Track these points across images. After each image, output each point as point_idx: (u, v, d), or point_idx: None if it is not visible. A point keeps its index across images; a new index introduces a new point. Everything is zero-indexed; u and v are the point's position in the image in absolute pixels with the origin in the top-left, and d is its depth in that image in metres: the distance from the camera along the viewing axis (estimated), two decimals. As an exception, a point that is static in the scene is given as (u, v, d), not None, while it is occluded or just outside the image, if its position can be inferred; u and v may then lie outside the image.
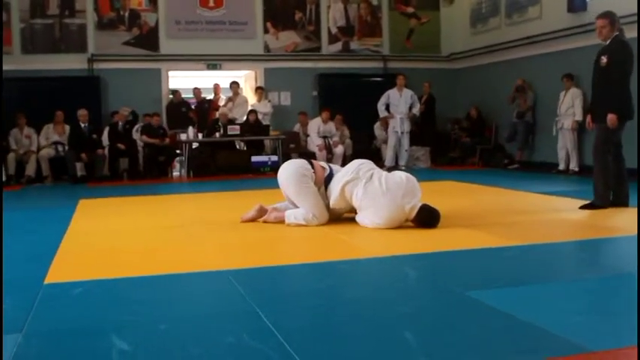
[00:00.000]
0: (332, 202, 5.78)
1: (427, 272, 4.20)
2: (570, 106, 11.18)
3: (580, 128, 11.03)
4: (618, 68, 6.27)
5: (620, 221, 5.99)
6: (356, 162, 5.89)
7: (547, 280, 3.89)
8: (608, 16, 6.35)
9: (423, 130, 13.65)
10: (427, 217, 5.53)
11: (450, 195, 8.28)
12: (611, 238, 5.32)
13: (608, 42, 6.37)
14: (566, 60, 11.42)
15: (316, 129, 13.02)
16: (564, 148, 11.36)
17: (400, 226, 5.56)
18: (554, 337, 2.79)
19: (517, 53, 12.89)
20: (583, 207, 6.44)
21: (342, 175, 5.75)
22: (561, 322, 3.00)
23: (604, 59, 6.33)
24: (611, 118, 6.23)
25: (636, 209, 6.10)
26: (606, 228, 5.87)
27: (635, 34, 7.99)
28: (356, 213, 5.76)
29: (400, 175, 5.65)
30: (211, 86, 14.45)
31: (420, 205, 5.51)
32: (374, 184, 5.56)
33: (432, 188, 8.84)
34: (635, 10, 8.28)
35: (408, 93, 12.93)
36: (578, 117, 11.01)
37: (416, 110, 13.03)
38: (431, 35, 15.25)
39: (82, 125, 11.70)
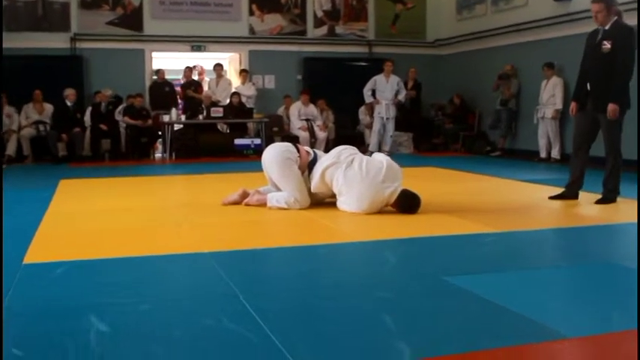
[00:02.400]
0: (313, 187, 5.79)
1: (407, 257, 4.23)
2: (551, 95, 11.23)
3: (562, 117, 11.10)
4: (625, 55, 5.95)
5: (599, 211, 6.03)
6: (338, 147, 5.90)
7: (525, 267, 3.93)
8: (603, 0, 6.05)
9: (408, 116, 13.66)
10: (407, 203, 5.55)
11: (431, 181, 8.31)
12: (590, 226, 5.36)
13: (608, 27, 6.05)
14: (551, 48, 11.45)
15: (297, 112, 13.03)
16: (545, 137, 11.42)
17: (381, 212, 5.58)
18: (531, 322, 2.83)
19: (502, 41, 12.91)
20: (598, 202, 6.20)
21: (324, 160, 5.76)
22: (538, 308, 3.04)
23: (607, 45, 6.02)
24: (614, 109, 5.95)
25: (633, 201, 6.18)
26: (584, 217, 5.93)
27: (631, 22, 7.93)
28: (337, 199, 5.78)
29: (380, 160, 5.65)
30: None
31: (400, 189, 5.52)
32: (354, 169, 5.57)
33: (414, 174, 8.87)
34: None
35: (394, 79, 12.92)
36: (559, 106, 11.07)
37: (402, 97, 13.02)
38: (416, 21, 15.22)
39: (69, 104, 11.62)
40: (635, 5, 8.58)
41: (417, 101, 14.02)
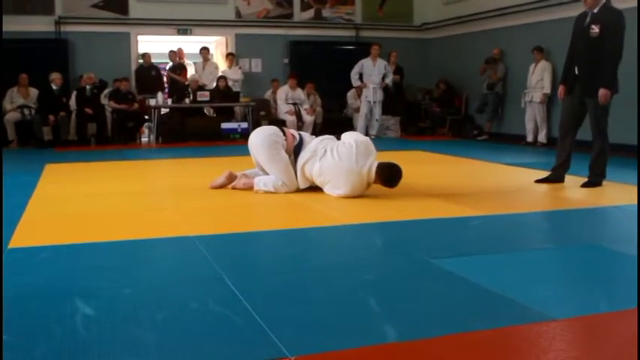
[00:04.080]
0: (300, 184, 5.81)
1: (393, 240, 4.23)
2: (540, 79, 11.24)
3: (549, 101, 11.12)
4: (613, 40, 5.91)
5: (583, 194, 6.06)
6: (317, 139, 5.90)
7: (511, 250, 3.94)
8: None
9: (392, 100, 13.65)
10: (387, 174, 5.53)
11: (418, 165, 8.31)
12: (575, 209, 5.38)
13: (596, 10, 6.02)
14: (538, 32, 11.46)
15: (284, 96, 13.00)
16: (532, 121, 11.45)
17: (368, 195, 5.58)
18: (517, 304, 2.84)
19: (489, 24, 12.90)
20: (584, 185, 6.22)
21: (302, 155, 5.75)
22: (524, 290, 3.05)
23: (595, 29, 5.99)
24: (604, 94, 5.94)
25: (619, 184, 6.21)
26: (570, 200, 5.96)
27: (627, 5, 7.95)
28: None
29: (349, 141, 5.63)
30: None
31: (376, 164, 5.51)
32: (327, 159, 5.59)
33: (401, 158, 8.83)
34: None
35: (381, 63, 12.92)
36: (547, 90, 11.10)
37: (389, 80, 13.02)
38: (403, 4, 15.17)
39: (55, 88, 11.53)
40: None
41: (400, 85, 13.99)
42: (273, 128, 6.06)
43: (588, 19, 6.10)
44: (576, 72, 6.20)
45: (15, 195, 5.83)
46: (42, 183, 6.68)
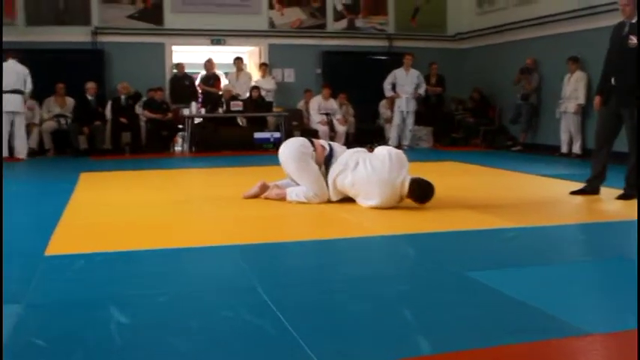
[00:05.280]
0: (331, 196, 5.82)
1: (427, 251, 4.21)
2: (575, 89, 11.11)
3: (583, 112, 11.00)
4: None
5: (619, 206, 5.98)
6: (348, 152, 5.90)
7: (546, 262, 3.90)
8: None
9: (433, 111, 13.60)
10: (419, 190, 5.51)
11: (451, 175, 8.27)
12: (610, 222, 5.32)
13: (635, 20, 5.92)
14: (572, 42, 11.34)
15: (317, 106, 13.01)
16: (567, 132, 11.31)
17: (401, 206, 5.56)
18: (551, 318, 2.81)
19: (523, 34, 12.80)
20: (619, 197, 6.11)
21: (335, 167, 5.75)
22: (559, 303, 3.01)
23: (633, 39, 5.87)
24: None
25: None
26: (605, 212, 5.89)
27: None
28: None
29: (383, 153, 5.61)
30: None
31: (409, 178, 5.50)
32: (359, 170, 5.58)
33: (434, 168, 8.84)
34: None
35: (414, 73, 12.88)
36: (582, 101, 10.95)
37: (422, 90, 12.99)
38: (437, 14, 15.13)
39: (90, 98, 11.69)
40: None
41: (442, 96, 13.93)
42: (302, 140, 6.08)
43: (626, 29, 6.01)
44: (613, 83, 6.12)
45: (51, 203, 5.92)
46: (77, 191, 6.76)
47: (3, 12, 11.16)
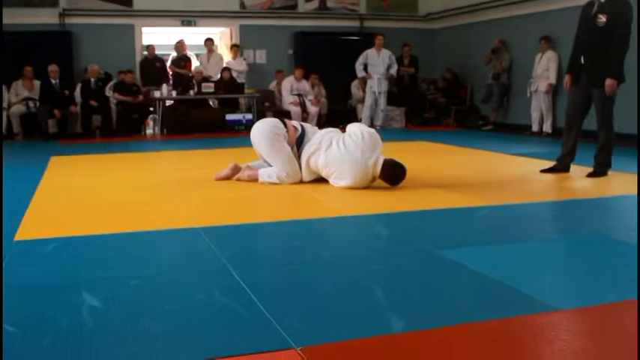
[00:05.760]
0: (304, 177, 5.81)
1: (399, 231, 4.23)
2: (546, 68, 11.19)
3: (554, 91, 11.09)
4: (621, 29, 5.87)
5: (589, 184, 6.05)
6: (321, 131, 5.89)
7: (517, 240, 3.94)
8: None
9: (406, 91, 13.62)
10: (391, 172, 5.54)
11: (423, 155, 8.30)
12: (581, 199, 5.38)
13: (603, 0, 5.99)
14: (543, 22, 11.40)
15: (289, 87, 12.98)
16: (538, 110, 11.40)
17: (373, 187, 5.58)
18: (523, 295, 2.84)
19: (494, 14, 12.84)
20: (589, 175, 6.21)
21: (307, 147, 5.75)
22: (530, 280, 3.05)
23: (602, 18, 5.92)
24: (611, 84, 5.91)
25: (624, 174, 6.19)
26: (576, 190, 5.96)
27: None
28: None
29: (356, 133, 5.61)
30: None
31: (382, 159, 5.51)
32: (332, 150, 5.59)
33: (406, 148, 8.88)
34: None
35: (386, 53, 12.88)
36: (553, 80, 11.05)
37: (393, 71, 12.99)
38: (408, -6, 15.12)
39: (53, 81, 11.49)
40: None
41: (415, 77, 13.92)
42: (274, 120, 6.06)
43: (595, 9, 6.05)
44: (582, 62, 6.16)
45: (20, 187, 5.85)
46: (47, 175, 6.69)
47: (2, 13, 10.93)
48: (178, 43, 13.62)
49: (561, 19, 10.59)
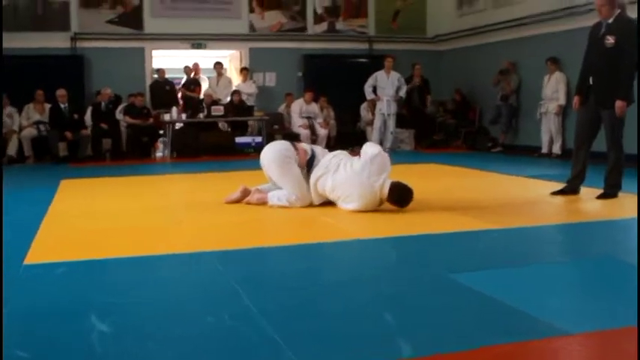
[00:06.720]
0: (314, 200, 5.82)
1: (409, 254, 4.22)
2: (555, 90, 11.19)
3: (564, 112, 11.08)
4: (629, 50, 5.84)
5: (599, 206, 6.03)
6: (329, 155, 5.90)
7: (528, 263, 3.92)
8: None
9: (415, 113, 13.60)
10: (398, 195, 5.52)
11: (432, 178, 8.30)
12: (591, 222, 5.36)
13: (611, 20, 5.96)
14: (551, 43, 11.42)
15: (298, 110, 12.99)
16: (548, 132, 11.38)
17: (382, 209, 5.57)
18: (534, 319, 2.82)
19: (502, 36, 12.88)
20: (599, 197, 6.16)
21: (316, 170, 5.75)
22: (541, 304, 3.03)
23: (610, 40, 5.93)
24: (621, 105, 5.88)
25: (635, 196, 6.16)
26: (586, 212, 5.93)
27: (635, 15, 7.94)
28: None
29: (365, 156, 5.61)
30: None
31: (389, 182, 5.51)
32: (340, 173, 5.59)
33: (415, 171, 8.88)
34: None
35: (395, 75, 12.87)
36: (562, 101, 11.04)
37: (402, 93, 12.98)
38: (417, 16, 15.20)
39: (62, 106, 11.53)
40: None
41: (424, 98, 13.87)
42: (285, 143, 6.08)
43: (603, 30, 6.06)
44: (591, 83, 6.16)
45: (31, 211, 5.88)
46: (57, 199, 6.72)
47: (2, 14, 11.06)
48: (187, 66, 13.72)
49: (568, 41, 10.60)
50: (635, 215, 5.25)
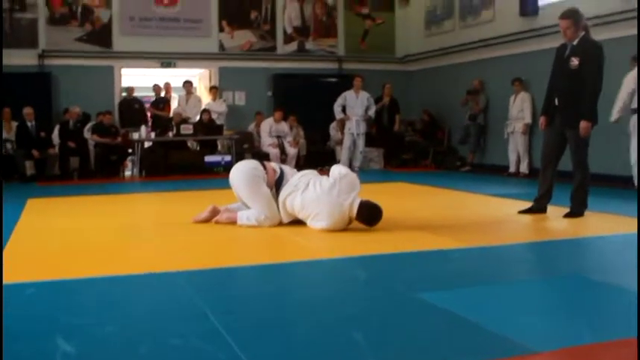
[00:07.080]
0: (283, 219, 5.80)
1: (376, 274, 4.22)
2: (520, 109, 11.36)
3: (530, 131, 11.22)
4: (592, 72, 5.97)
5: (566, 224, 6.10)
6: (298, 174, 5.91)
7: (494, 282, 3.95)
8: (571, 16, 6.06)
9: (384, 132, 13.64)
10: (367, 214, 5.54)
11: (401, 196, 8.34)
12: (558, 240, 5.41)
13: (576, 42, 6.07)
14: (518, 64, 11.60)
15: (268, 129, 13.00)
16: (515, 151, 11.53)
17: (351, 229, 5.57)
18: (500, 337, 2.84)
19: (470, 56, 13.05)
20: (566, 215, 6.24)
21: (285, 189, 5.75)
22: (507, 322, 3.05)
23: (575, 61, 6.03)
24: (585, 126, 5.96)
25: (601, 214, 6.24)
26: (553, 230, 5.99)
27: (607, 36, 8.17)
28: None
29: (333, 175, 5.64)
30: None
31: (358, 201, 5.53)
32: (309, 192, 5.59)
33: (384, 189, 8.92)
34: (593, 13, 8.39)
35: (364, 95, 12.94)
36: (528, 120, 11.20)
37: (372, 112, 13.05)
38: (386, 37, 15.35)
39: (29, 124, 11.42)
40: (599, 21, 8.75)
41: (393, 118, 13.92)
42: (253, 162, 6.06)
43: (568, 51, 6.16)
44: (556, 103, 6.25)
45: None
46: (24, 218, 6.62)
47: (2, 15, 10.91)
48: (157, 85, 13.68)
49: (534, 62, 10.79)
50: (601, 233, 5.34)
